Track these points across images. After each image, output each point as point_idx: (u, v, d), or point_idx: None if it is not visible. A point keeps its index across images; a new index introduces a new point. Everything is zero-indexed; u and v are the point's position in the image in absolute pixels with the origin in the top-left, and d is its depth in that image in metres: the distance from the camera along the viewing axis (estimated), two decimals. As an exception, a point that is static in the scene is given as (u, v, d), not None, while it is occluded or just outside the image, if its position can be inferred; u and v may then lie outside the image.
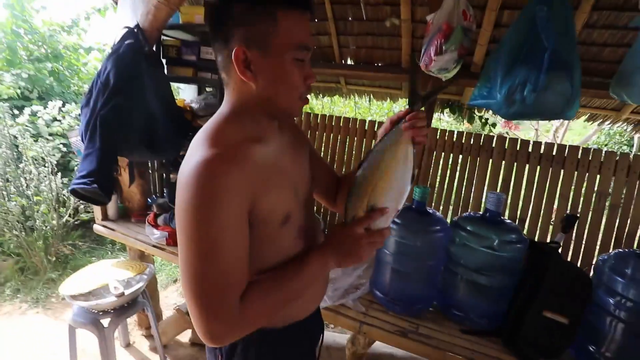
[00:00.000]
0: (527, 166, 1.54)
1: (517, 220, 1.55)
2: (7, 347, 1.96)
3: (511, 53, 1.00)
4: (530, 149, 1.53)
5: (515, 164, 1.56)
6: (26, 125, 2.91)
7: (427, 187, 1.25)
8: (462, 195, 1.66)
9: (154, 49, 1.61)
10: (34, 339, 2.03)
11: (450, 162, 1.68)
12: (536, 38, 0.96)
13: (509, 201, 1.60)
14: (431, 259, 1.24)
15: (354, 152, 1.92)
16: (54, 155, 2.85)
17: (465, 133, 1.64)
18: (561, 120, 3.10)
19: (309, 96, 0.71)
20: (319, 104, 3.81)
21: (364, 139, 1.88)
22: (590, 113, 1.92)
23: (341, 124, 1.92)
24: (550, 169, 1.50)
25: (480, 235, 1.17)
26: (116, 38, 1.52)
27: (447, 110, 2.05)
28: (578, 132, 7.21)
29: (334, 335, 2.00)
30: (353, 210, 0.69)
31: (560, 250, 1.34)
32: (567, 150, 1.48)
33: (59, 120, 3.11)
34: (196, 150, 0.61)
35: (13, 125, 2.82)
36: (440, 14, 1.18)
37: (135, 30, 1.52)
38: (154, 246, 1.72)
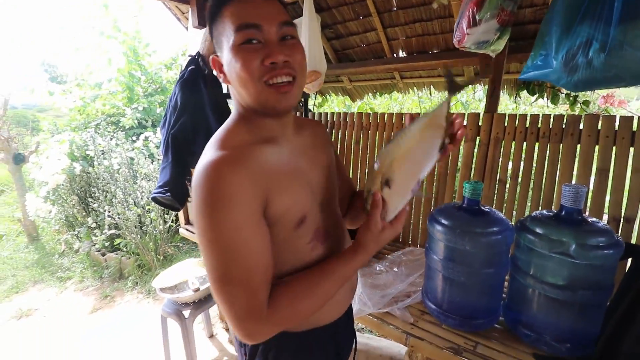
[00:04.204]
0: (631, 150, 1.18)
1: (622, 220, 1.20)
2: (126, 330, 2.42)
3: (568, 9, 0.77)
4: (635, 127, 1.18)
5: (614, 147, 1.22)
6: (141, 149, 3.59)
7: (478, 182, 1.07)
8: (542, 190, 1.37)
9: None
10: (145, 324, 2.46)
11: (524, 152, 1.42)
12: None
13: (607, 197, 1.25)
14: (488, 266, 1.05)
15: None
16: (160, 171, 3.44)
17: (541, 115, 1.36)
18: None
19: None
20: (377, 103, 3.67)
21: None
22: None
23: (393, 121, 1.81)
24: (669, 150, 1.13)
25: (552, 239, 0.95)
26: (182, 66, 1.76)
27: (523, 91, 1.73)
28: None
29: (391, 345, 1.85)
30: (368, 183, 0.67)
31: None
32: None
33: (165, 142, 3.77)
34: (205, 154, 0.63)
35: (132, 149, 3.52)
36: (473, -20, 1.00)
37: (197, 57, 1.73)
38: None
